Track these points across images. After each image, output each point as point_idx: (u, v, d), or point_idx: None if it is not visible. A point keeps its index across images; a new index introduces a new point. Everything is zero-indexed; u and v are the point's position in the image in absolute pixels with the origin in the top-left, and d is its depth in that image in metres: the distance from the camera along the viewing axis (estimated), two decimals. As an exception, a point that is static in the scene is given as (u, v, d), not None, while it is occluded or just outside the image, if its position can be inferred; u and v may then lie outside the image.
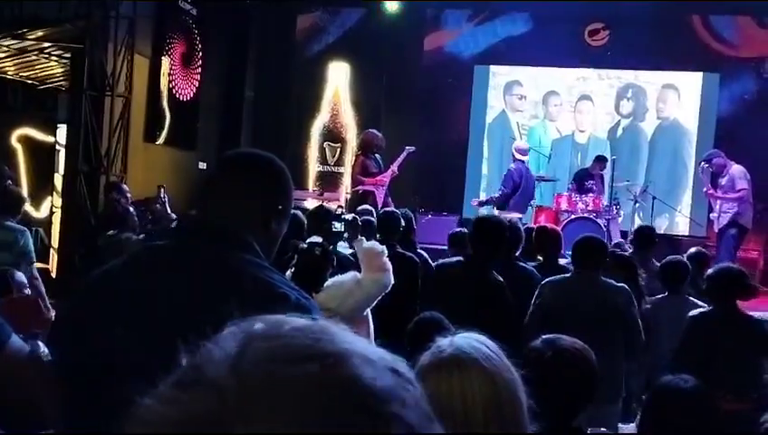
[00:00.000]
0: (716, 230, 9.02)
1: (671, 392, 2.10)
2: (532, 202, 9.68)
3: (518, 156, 9.69)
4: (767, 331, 4.17)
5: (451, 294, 3.94)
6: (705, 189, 9.14)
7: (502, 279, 4.14)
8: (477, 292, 3.99)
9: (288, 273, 3.53)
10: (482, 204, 10.11)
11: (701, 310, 4.15)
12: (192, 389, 0.50)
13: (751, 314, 4.27)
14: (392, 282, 3.86)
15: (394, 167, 9.89)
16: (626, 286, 4.23)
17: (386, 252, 3.96)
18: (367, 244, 4.05)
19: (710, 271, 4.24)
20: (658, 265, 5.44)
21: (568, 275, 4.30)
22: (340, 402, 0.49)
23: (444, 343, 1.47)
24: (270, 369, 0.50)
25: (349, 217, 4.46)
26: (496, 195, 9.73)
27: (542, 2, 10.92)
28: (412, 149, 9.99)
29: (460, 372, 1.41)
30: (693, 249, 5.85)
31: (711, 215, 9.21)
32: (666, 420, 2.12)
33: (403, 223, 5.48)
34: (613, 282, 4.28)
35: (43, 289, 5.06)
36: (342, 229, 4.29)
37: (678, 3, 10.54)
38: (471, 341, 1.46)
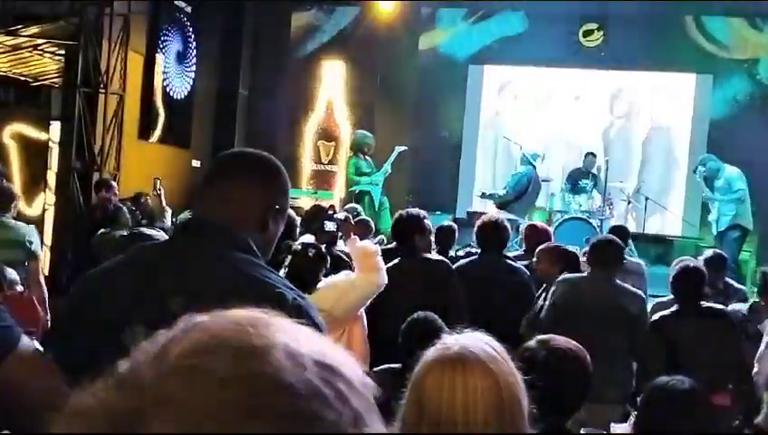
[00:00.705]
0: (715, 233, 9.02)
1: (666, 393, 2.11)
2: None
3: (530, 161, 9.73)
4: (734, 322, 4.20)
5: (396, 289, 3.96)
6: (703, 194, 9.14)
7: (441, 258, 4.49)
8: (419, 276, 4.23)
9: (281, 273, 3.52)
10: (485, 196, 10.10)
11: (663, 313, 4.14)
12: (121, 384, 0.50)
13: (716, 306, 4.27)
14: (386, 281, 3.85)
15: (386, 166, 9.91)
16: (640, 292, 4.24)
17: (379, 251, 3.95)
18: (360, 243, 4.04)
19: (675, 270, 4.24)
20: (637, 261, 5.52)
21: (584, 274, 4.31)
22: (252, 397, 0.47)
23: (449, 340, 1.47)
24: (188, 362, 0.49)
25: (341, 215, 4.45)
26: (501, 192, 9.73)
27: (537, 0, 10.93)
28: (403, 148, 10.01)
29: (464, 370, 1.41)
30: (709, 252, 5.84)
31: (710, 217, 9.19)
32: (660, 421, 2.12)
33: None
34: (629, 286, 4.28)
35: (45, 289, 4.99)
36: (334, 229, 4.28)
37: (672, 3, 10.58)
38: (477, 341, 1.47)
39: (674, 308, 4.12)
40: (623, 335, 4.06)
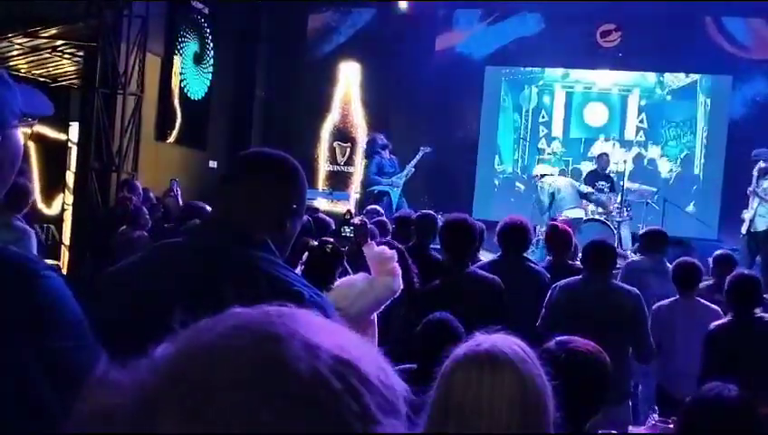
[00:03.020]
0: (744, 232, 8.58)
1: (713, 402, 2.06)
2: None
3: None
4: None
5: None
6: (750, 188, 8.56)
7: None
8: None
9: (298, 270, 3.52)
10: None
11: (720, 322, 4.12)
12: (148, 362, 0.53)
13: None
14: (401, 287, 3.84)
15: (409, 167, 9.91)
16: (637, 290, 4.22)
17: (395, 257, 3.92)
18: (377, 248, 4.02)
19: (731, 277, 4.18)
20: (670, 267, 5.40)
21: (578, 277, 4.29)
22: (259, 378, 0.49)
23: (481, 338, 1.48)
24: (214, 340, 0.52)
25: (357, 220, 4.44)
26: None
27: (554, 1, 10.88)
28: (428, 149, 9.99)
29: (493, 369, 1.42)
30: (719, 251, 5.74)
31: (743, 214, 8.59)
32: (706, 430, 2.08)
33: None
34: (625, 286, 4.28)
35: None
36: (352, 234, 4.27)
37: (691, 4, 10.50)
38: (509, 342, 1.48)
39: (729, 319, 4.07)
40: (623, 335, 4.03)
